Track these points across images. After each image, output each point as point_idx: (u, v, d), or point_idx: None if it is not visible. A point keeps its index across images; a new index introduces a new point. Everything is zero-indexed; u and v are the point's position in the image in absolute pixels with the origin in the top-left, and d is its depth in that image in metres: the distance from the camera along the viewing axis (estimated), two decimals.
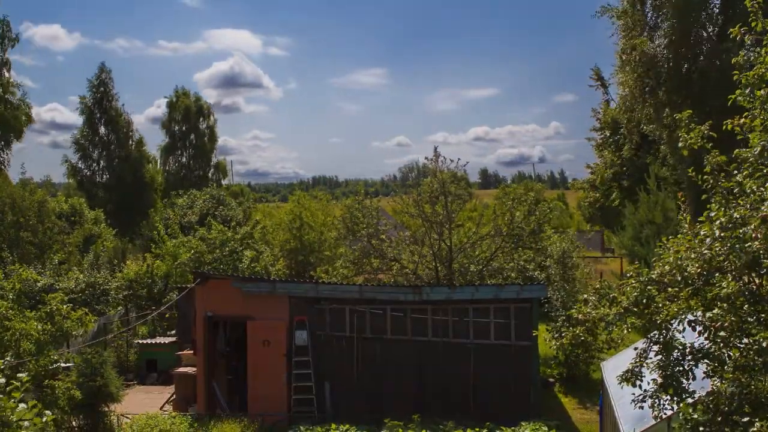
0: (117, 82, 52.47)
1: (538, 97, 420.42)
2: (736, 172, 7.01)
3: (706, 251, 6.73)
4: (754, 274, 6.60)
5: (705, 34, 28.21)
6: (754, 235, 6.22)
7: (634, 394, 7.43)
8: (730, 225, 6.53)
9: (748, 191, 6.76)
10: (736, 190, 6.94)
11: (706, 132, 7.45)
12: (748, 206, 6.54)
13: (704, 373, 7.05)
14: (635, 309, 7.19)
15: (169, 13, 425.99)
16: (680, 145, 7.73)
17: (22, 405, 6.25)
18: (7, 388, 6.39)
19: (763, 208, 6.32)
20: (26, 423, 6.19)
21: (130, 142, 51.92)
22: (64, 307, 14.98)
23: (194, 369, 17.09)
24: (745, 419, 6.32)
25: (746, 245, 6.24)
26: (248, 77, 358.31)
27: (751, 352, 6.53)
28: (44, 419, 6.30)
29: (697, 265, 6.85)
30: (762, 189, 6.63)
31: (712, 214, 6.89)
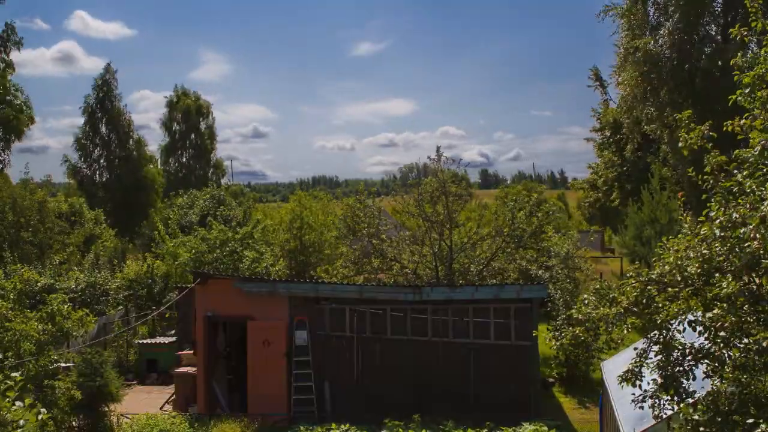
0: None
1: (478, 100, 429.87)
2: (735, 171, 6.99)
3: (705, 251, 6.71)
4: (754, 274, 6.58)
5: (708, 33, 28.20)
6: (752, 235, 6.19)
7: (634, 394, 7.41)
8: (729, 225, 6.51)
9: (748, 191, 6.73)
10: (735, 190, 6.91)
11: (706, 132, 7.43)
12: (748, 206, 6.52)
13: (704, 373, 7.02)
14: (635, 309, 7.17)
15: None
16: (680, 145, 7.70)
17: (18, 403, 6.20)
18: (1, 387, 6.33)
19: (762, 207, 6.29)
20: (21, 422, 6.12)
21: (131, 141, 51.90)
22: (65, 307, 14.98)
23: (194, 369, 17.08)
24: (750, 420, 6.30)
25: (745, 245, 6.21)
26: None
27: (751, 352, 6.52)
28: (39, 416, 6.23)
29: (697, 265, 6.83)
30: (762, 189, 6.61)
31: (712, 214, 6.87)
